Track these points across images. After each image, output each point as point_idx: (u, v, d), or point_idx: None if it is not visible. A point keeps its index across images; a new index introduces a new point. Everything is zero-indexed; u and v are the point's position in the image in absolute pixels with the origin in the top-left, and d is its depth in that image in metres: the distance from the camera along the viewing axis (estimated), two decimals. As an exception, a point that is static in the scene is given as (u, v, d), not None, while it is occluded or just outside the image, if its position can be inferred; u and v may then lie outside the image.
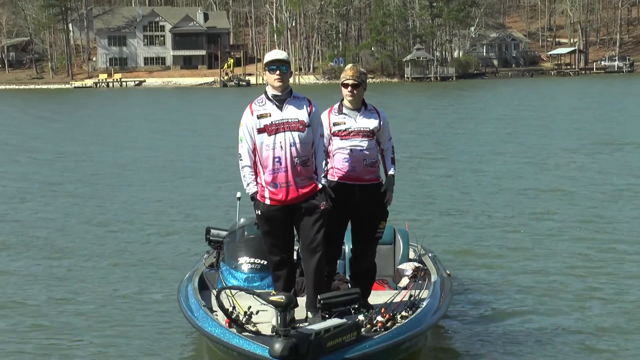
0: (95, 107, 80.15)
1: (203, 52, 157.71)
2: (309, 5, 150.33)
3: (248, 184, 9.20)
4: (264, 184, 9.12)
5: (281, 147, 9.00)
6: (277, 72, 9.12)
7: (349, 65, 9.83)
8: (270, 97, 9.15)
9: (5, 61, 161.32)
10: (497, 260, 14.58)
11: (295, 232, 9.36)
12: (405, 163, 28.56)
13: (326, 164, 9.32)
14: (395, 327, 8.77)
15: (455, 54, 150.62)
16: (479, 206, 19.96)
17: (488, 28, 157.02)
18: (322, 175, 9.22)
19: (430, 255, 11.61)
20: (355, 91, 9.58)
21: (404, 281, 10.62)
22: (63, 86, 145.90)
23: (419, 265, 11.03)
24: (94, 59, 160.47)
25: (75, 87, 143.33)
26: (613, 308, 11.76)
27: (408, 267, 10.88)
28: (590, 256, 14.71)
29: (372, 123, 9.62)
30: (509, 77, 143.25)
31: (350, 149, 9.53)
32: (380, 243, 10.79)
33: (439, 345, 10.49)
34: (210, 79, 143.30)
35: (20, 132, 49.95)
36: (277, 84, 9.12)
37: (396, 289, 10.46)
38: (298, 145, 9.02)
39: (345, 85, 9.61)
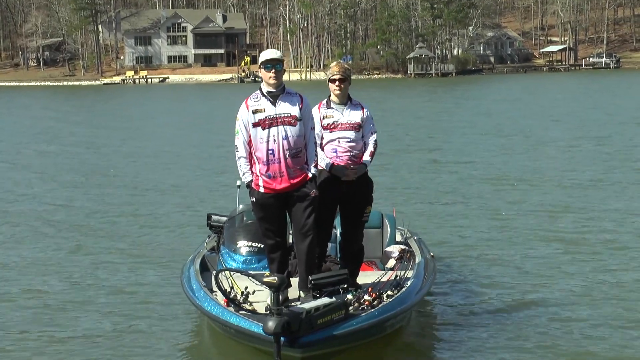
0: (123, 101, 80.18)
1: (222, 51, 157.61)
2: (320, 7, 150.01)
3: (244, 174, 9.20)
4: (258, 174, 9.10)
5: (274, 140, 8.99)
6: (273, 70, 9.09)
7: (334, 63, 9.86)
8: (265, 93, 9.13)
9: (41, 60, 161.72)
10: (478, 242, 14.51)
11: (288, 217, 9.33)
12: (394, 151, 28.66)
13: (316, 155, 9.27)
14: (381, 305, 8.74)
15: (455, 52, 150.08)
16: (463, 192, 19.89)
17: (485, 28, 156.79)
18: (313, 165, 9.19)
19: (415, 238, 11.56)
20: (342, 85, 9.58)
21: (391, 262, 10.57)
22: (93, 82, 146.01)
23: (405, 247, 10.99)
24: (121, 57, 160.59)
25: (104, 84, 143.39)
26: (591, 285, 11.70)
27: (395, 250, 10.83)
28: (570, 237, 14.65)
29: (357, 115, 9.63)
30: (504, 72, 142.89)
31: (338, 140, 9.54)
32: (369, 227, 10.80)
33: (424, 321, 10.45)
34: (228, 76, 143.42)
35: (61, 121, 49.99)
36: (272, 81, 9.09)
37: (384, 270, 10.40)
38: (290, 138, 9.01)
39: (333, 81, 9.61)
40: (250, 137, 9.08)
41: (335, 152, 9.52)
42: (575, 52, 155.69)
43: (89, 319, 10.82)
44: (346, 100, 9.69)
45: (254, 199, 9.15)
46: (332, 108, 9.64)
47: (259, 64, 9.25)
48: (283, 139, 8.99)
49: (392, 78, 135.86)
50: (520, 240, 14.54)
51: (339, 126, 9.56)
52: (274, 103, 9.07)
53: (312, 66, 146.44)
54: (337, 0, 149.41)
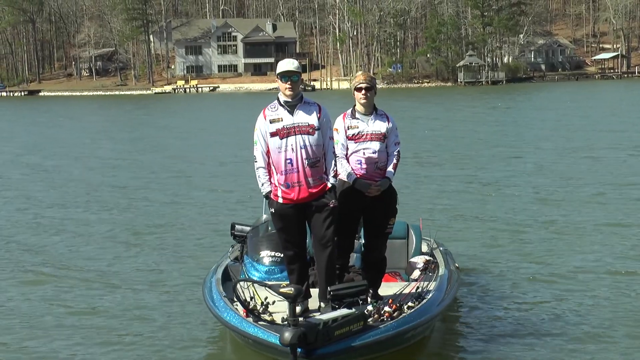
0: (172, 110, 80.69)
1: (272, 60, 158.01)
2: (369, 16, 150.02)
3: (262, 184, 9.17)
4: (277, 184, 9.07)
5: (292, 149, 8.96)
6: (289, 82, 9.08)
7: (359, 72, 9.80)
8: (282, 103, 9.12)
9: (93, 70, 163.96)
10: (507, 256, 14.22)
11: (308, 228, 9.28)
12: (426, 161, 28.68)
13: (335, 165, 9.22)
14: (400, 317, 8.65)
15: (505, 60, 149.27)
16: (495, 205, 19.53)
17: (536, 35, 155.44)
18: (332, 175, 9.14)
19: (441, 249, 11.44)
20: (368, 94, 9.52)
21: (416, 273, 10.48)
22: (144, 92, 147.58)
23: (430, 258, 10.88)
24: (172, 67, 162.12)
25: (155, 93, 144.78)
26: (625, 306, 11.33)
27: (419, 260, 10.73)
28: (607, 256, 14.15)
29: (383, 126, 9.55)
30: (555, 80, 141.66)
31: (363, 152, 9.46)
32: (395, 238, 10.79)
33: (447, 333, 10.32)
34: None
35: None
36: (289, 92, 9.08)
37: (408, 281, 10.31)
38: (308, 148, 8.97)
39: (359, 89, 9.54)
40: (268, 147, 9.07)
41: (360, 163, 9.45)
42: (628, 59, 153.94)
43: (108, 324, 10.92)
44: (371, 110, 9.61)
45: (272, 210, 9.13)
46: (357, 118, 9.57)
47: (276, 74, 9.25)
48: (301, 148, 8.95)
49: (442, 86, 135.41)
50: (551, 256, 14.09)
51: (364, 137, 9.49)
52: (291, 112, 9.05)
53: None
54: (387, 8, 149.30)
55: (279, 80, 9.14)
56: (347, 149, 9.51)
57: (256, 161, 9.17)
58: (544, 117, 52.85)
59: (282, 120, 9.02)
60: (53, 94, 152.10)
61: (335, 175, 9.21)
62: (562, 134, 39.09)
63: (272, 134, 9.01)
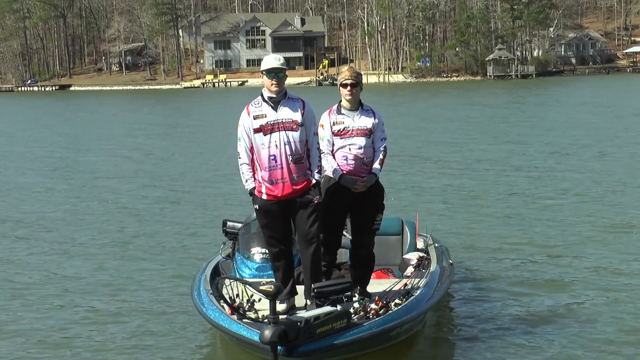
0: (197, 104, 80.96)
1: (300, 54, 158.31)
2: (398, 10, 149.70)
3: (246, 180, 9.12)
4: (261, 181, 9.00)
5: (276, 145, 8.88)
6: (275, 78, 9.03)
7: (345, 67, 9.74)
8: (266, 99, 9.05)
9: (123, 64, 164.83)
10: (507, 253, 14.03)
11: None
12: (428, 156, 28.40)
13: (319, 161, 9.14)
14: (386, 314, 8.55)
15: (535, 53, 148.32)
16: (494, 200, 19.33)
17: (566, 28, 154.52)
18: (316, 171, 9.07)
19: (436, 245, 11.28)
20: (354, 90, 9.42)
21: (409, 270, 10.34)
22: (174, 86, 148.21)
23: (423, 255, 10.74)
24: (201, 61, 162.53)
25: (184, 88, 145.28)
26: (616, 298, 11.27)
27: (413, 257, 10.59)
28: (605, 252, 13.99)
29: (369, 122, 9.45)
30: (586, 74, 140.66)
31: (349, 147, 9.37)
32: (389, 234, 10.76)
33: (438, 330, 10.22)
34: (306, 79, 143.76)
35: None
36: (274, 88, 9.02)
37: (400, 278, 10.18)
38: (292, 144, 8.90)
39: (345, 86, 9.45)
40: (252, 143, 8.99)
41: (346, 159, 9.35)
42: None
43: (100, 320, 10.93)
44: (357, 106, 9.52)
45: (257, 206, 9.06)
46: (343, 114, 9.47)
47: (261, 69, 9.17)
48: (285, 144, 8.87)
49: (470, 80, 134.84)
50: (552, 255, 13.85)
51: (350, 132, 9.39)
52: (275, 108, 8.98)
53: (390, 69, 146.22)
54: (416, 2, 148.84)
55: (264, 77, 9.06)
56: (333, 144, 9.43)
57: (240, 157, 9.11)
58: (559, 112, 51.87)
59: (265, 117, 8.94)
60: (83, 88, 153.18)
61: (320, 171, 9.14)
62: (580, 130, 38.63)
63: (256, 130, 8.93)
